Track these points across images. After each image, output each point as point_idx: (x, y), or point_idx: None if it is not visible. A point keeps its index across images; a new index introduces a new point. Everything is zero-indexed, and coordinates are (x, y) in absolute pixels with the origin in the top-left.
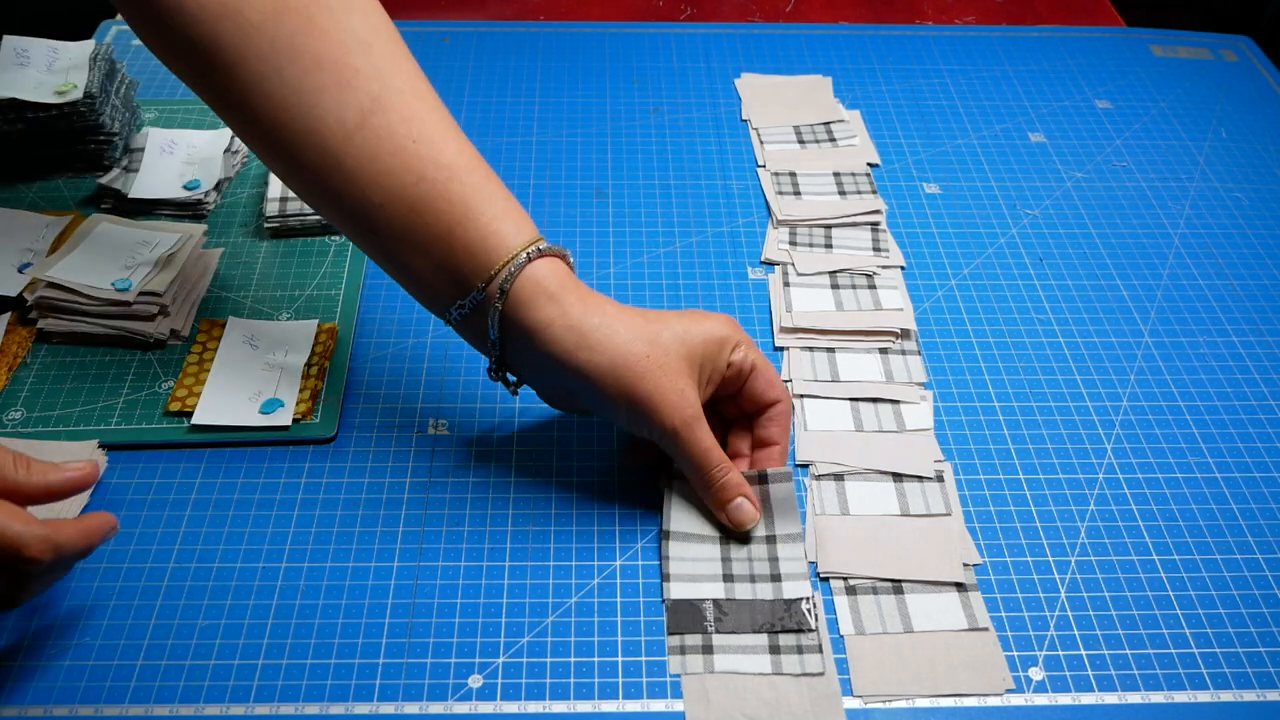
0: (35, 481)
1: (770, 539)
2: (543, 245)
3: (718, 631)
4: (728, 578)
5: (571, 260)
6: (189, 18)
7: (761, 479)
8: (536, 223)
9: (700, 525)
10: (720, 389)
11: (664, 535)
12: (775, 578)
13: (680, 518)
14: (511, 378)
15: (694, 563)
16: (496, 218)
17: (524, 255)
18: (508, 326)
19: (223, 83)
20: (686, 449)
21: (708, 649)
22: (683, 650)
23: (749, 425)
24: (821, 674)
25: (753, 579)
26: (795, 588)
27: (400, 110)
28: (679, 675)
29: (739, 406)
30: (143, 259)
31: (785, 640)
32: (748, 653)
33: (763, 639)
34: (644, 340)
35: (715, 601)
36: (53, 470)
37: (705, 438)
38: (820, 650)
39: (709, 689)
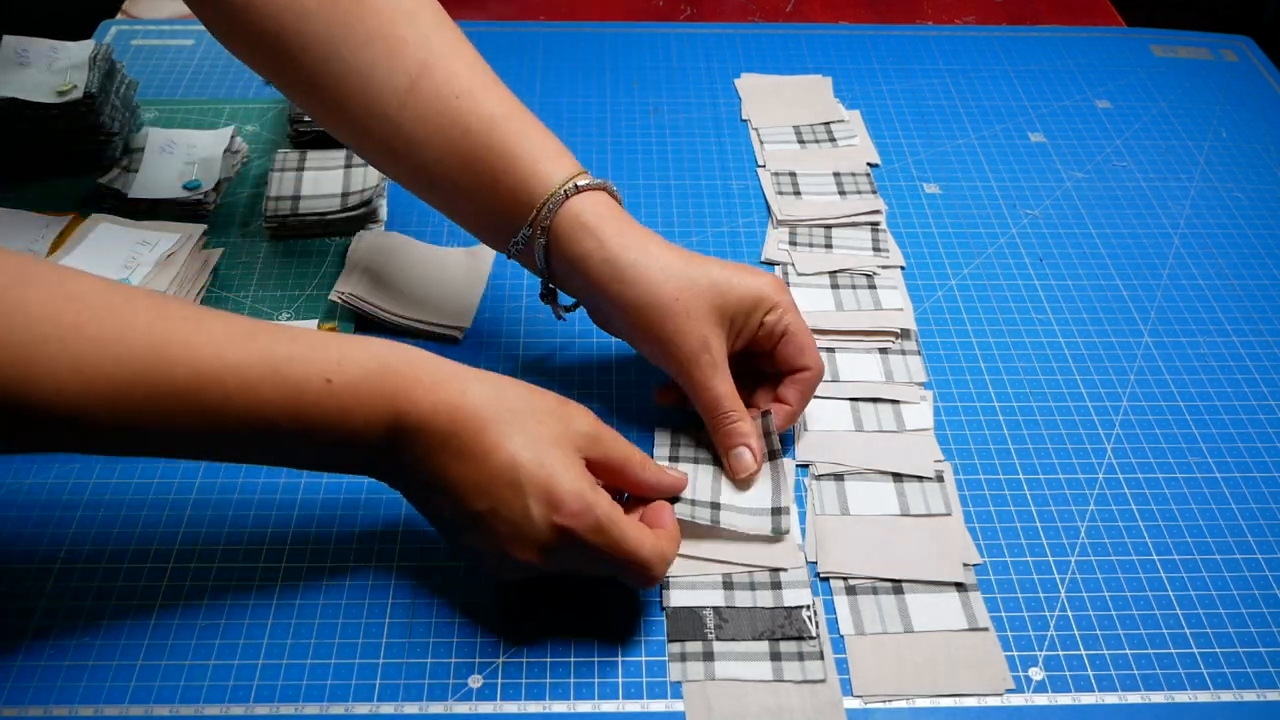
0: (647, 479)
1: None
2: (582, 181)
3: (718, 639)
4: (727, 584)
5: (615, 191)
6: (257, 13)
7: None
8: None
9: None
10: (753, 345)
11: None
12: (775, 585)
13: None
14: (565, 300)
15: (694, 570)
16: (536, 159)
17: (562, 192)
18: (554, 259)
19: (292, 69)
20: (697, 392)
21: (708, 656)
22: (683, 658)
23: (776, 384)
24: (823, 680)
25: (752, 586)
26: (796, 595)
27: (444, 70)
28: (680, 682)
29: (774, 365)
30: (143, 259)
31: (786, 647)
32: (749, 660)
33: (764, 646)
34: (678, 282)
35: (715, 609)
36: (662, 472)
37: (719, 384)
38: (821, 657)
39: (710, 696)
